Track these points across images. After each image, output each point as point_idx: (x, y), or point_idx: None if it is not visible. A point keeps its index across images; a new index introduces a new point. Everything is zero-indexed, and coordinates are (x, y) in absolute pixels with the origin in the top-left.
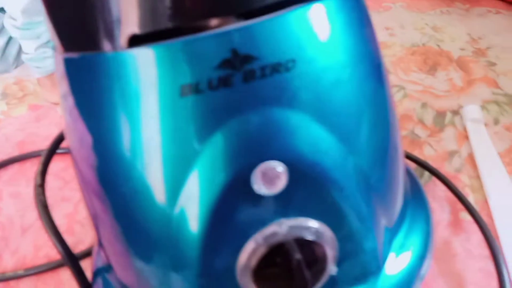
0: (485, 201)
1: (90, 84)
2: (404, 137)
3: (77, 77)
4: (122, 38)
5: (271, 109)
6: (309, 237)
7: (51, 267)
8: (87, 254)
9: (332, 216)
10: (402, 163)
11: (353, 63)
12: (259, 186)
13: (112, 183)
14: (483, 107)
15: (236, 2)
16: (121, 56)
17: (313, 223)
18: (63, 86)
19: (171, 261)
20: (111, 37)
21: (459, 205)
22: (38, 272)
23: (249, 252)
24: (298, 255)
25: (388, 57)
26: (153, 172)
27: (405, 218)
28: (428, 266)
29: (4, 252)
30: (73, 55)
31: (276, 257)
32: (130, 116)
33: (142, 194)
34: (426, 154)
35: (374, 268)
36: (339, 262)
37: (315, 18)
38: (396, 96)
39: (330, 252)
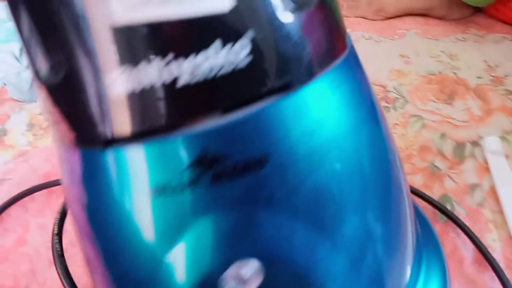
0: (509, 237)
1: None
2: (424, 169)
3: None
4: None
5: (242, 208)
6: None
7: None
8: None
9: None
10: (409, 238)
11: (338, 151)
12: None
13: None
14: (503, 138)
15: (209, 104)
16: (97, 154)
17: None
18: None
19: None
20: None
21: (481, 240)
22: None
23: None
24: None
25: (405, 85)
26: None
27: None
28: None
29: (32, 285)
30: (82, 150)
31: None
32: (110, 203)
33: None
34: (447, 187)
35: None
36: None
37: (292, 110)
38: (414, 126)
39: None
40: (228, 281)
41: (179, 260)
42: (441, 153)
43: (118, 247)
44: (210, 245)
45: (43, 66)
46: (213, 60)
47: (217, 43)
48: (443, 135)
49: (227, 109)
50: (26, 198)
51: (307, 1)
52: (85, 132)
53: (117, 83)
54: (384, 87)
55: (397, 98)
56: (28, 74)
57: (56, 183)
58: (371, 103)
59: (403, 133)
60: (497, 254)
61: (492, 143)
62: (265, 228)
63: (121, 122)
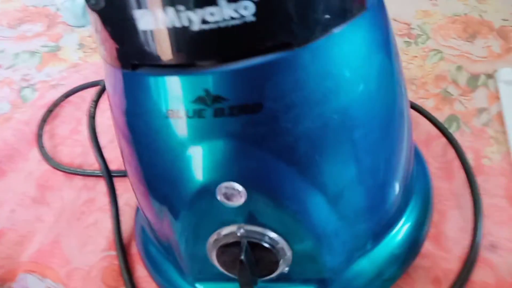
0: (507, 153)
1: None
2: (437, 94)
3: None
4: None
5: (235, 141)
6: (264, 243)
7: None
8: None
9: (289, 231)
10: (392, 191)
11: (327, 115)
12: (221, 199)
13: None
14: None
15: (214, 52)
16: (130, 75)
17: (268, 232)
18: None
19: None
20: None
21: (482, 153)
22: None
23: (213, 240)
24: (242, 256)
25: (429, 24)
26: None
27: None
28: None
29: (84, 164)
30: (117, 68)
31: (232, 248)
32: (139, 117)
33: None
34: (457, 109)
35: (327, 276)
36: (292, 265)
37: (284, 68)
38: (433, 59)
39: (283, 258)
40: (221, 190)
41: (186, 168)
42: (455, 82)
43: (143, 146)
44: (208, 164)
45: None
46: (220, 13)
47: (224, 0)
48: (459, 67)
49: (230, 58)
50: (78, 99)
51: None
52: (119, 55)
53: (141, 20)
54: (408, 24)
55: (420, 34)
56: (81, 1)
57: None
58: (381, 72)
59: (421, 65)
60: (494, 164)
61: (506, 74)
62: (252, 159)
63: (146, 53)
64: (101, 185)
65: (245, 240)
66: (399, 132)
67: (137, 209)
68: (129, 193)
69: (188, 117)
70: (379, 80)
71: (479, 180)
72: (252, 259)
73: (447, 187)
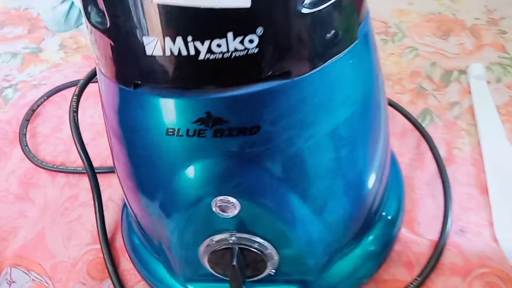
0: (478, 144)
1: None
2: (412, 90)
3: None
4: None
5: (233, 159)
6: (253, 249)
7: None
8: None
9: (277, 238)
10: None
11: (318, 137)
12: (216, 210)
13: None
14: (488, 68)
15: (217, 79)
16: (131, 92)
17: (258, 239)
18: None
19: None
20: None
21: (453, 144)
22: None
23: (205, 246)
24: (234, 262)
25: (405, 23)
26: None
27: (365, 234)
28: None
29: (66, 161)
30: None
31: (224, 253)
32: (135, 132)
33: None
34: (430, 103)
35: (309, 277)
36: (278, 268)
37: (282, 95)
38: (408, 55)
39: (269, 262)
40: (216, 203)
41: (185, 182)
42: (429, 77)
43: (141, 159)
44: (205, 179)
45: (94, 11)
46: (226, 46)
47: (231, 34)
48: (433, 64)
49: (232, 84)
50: (60, 99)
51: (318, 2)
52: (121, 73)
53: (148, 46)
54: (385, 23)
55: (396, 32)
56: (63, 8)
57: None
58: (367, 96)
59: (397, 61)
60: (465, 155)
61: (476, 69)
62: (247, 176)
63: (150, 74)
64: (84, 182)
65: (236, 246)
66: (380, 145)
67: (124, 206)
68: (112, 189)
69: (189, 136)
70: (365, 102)
71: (451, 169)
72: (242, 262)
73: (420, 177)
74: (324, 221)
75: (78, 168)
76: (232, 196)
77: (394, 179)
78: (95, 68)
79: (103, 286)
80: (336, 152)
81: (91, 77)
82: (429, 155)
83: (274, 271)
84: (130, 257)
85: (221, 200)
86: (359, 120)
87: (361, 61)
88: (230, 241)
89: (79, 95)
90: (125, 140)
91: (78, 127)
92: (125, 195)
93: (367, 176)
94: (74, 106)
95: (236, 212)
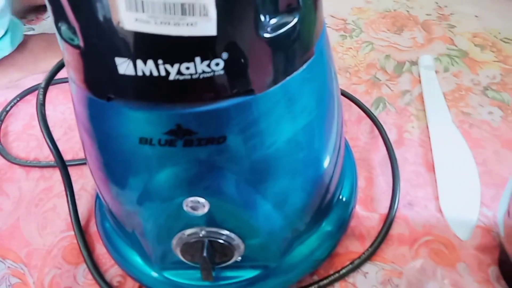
0: (426, 127)
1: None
2: (367, 80)
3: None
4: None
5: (201, 165)
6: (222, 240)
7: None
8: None
9: (242, 231)
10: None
11: (279, 143)
12: (187, 209)
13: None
14: (437, 59)
15: (186, 96)
16: (104, 103)
17: (226, 232)
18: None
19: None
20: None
21: (403, 128)
22: None
23: (177, 239)
24: (204, 253)
25: (362, 19)
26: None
27: (321, 220)
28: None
29: (40, 156)
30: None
31: (195, 244)
32: (107, 139)
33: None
34: (384, 92)
35: (273, 262)
36: (243, 255)
37: (246, 109)
38: (364, 50)
39: (237, 251)
40: (187, 203)
41: (157, 186)
42: (383, 69)
43: (114, 163)
44: (177, 183)
45: (64, 27)
46: (194, 68)
47: (199, 58)
48: (387, 56)
49: (201, 101)
50: (32, 97)
51: (280, 25)
52: (94, 86)
53: (121, 66)
54: (344, 20)
55: (354, 29)
56: None
57: (57, 81)
58: (322, 104)
59: (355, 55)
60: (414, 137)
61: (426, 60)
62: (215, 179)
63: (123, 90)
64: (58, 175)
65: (206, 239)
66: (335, 142)
67: (97, 196)
68: (84, 179)
69: (160, 145)
70: (321, 109)
71: (401, 150)
72: (212, 252)
73: (373, 158)
74: (284, 214)
75: (51, 162)
76: (201, 197)
77: (348, 165)
78: (60, 61)
79: (79, 270)
80: (295, 155)
81: (57, 71)
82: (381, 139)
83: (240, 258)
84: (103, 243)
85: (191, 201)
86: (315, 125)
87: (317, 74)
88: (201, 235)
89: (45, 88)
90: (97, 143)
91: (46, 120)
92: (98, 189)
93: (323, 171)
94: (41, 99)
95: (205, 210)
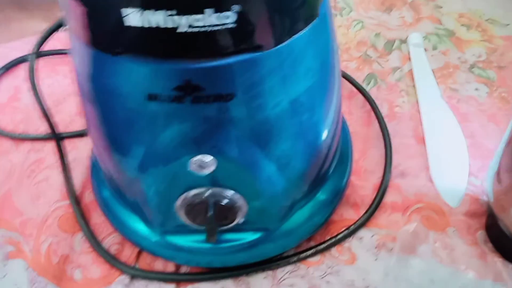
0: (416, 102)
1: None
2: (359, 57)
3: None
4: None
5: (209, 122)
6: (225, 201)
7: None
8: None
9: (247, 192)
10: (326, 161)
11: (284, 103)
12: (193, 169)
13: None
14: (425, 37)
15: (196, 50)
16: (109, 58)
17: (230, 193)
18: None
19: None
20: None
21: (394, 103)
22: None
23: (181, 200)
24: (210, 213)
25: None
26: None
27: (320, 186)
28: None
29: (29, 129)
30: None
31: (199, 206)
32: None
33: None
34: (375, 69)
35: (273, 225)
36: (246, 217)
37: (254, 66)
38: (355, 28)
39: (240, 213)
40: (193, 162)
41: (164, 144)
42: (374, 46)
43: (118, 121)
44: (183, 141)
45: None
46: (205, 20)
47: (210, 10)
48: (377, 34)
49: (210, 56)
50: (16, 70)
51: None
52: (99, 41)
53: (130, 17)
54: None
55: (344, 7)
56: None
57: (43, 53)
58: (325, 67)
59: (345, 33)
60: (405, 111)
61: (415, 38)
62: (222, 137)
63: (130, 44)
64: (49, 147)
65: (211, 200)
66: (335, 108)
67: (93, 166)
68: (77, 151)
69: (168, 101)
70: (324, 72)
71: (392, 124)
72: (216, 213)
73: (366, 132)
74: (286, 177)
75: (40, 135)
76: (208, 154)
77: (344, 137)
78: (52, 26)
79: (75, 239)
80: (298, 117)
81: (48, 35)
82: (373, 113)
83: (242, 220)
84: (102, 211)
85: (198, 159)
86: (318, 88)
87: (320, 36)
88: (205, 196)
89: (37, 51)
90: (101, 104)
91: (37, 88)
92: (99, 156)
93: (324, 135)
94: (31, 66)
95: (211, 170)
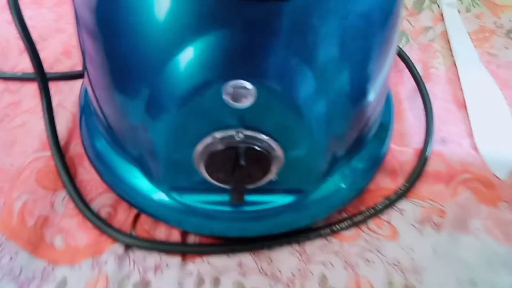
0: (453, 64)
1: None
2: None
3: None
4: None
5: (256, 30)
6: (261, 148)
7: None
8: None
9: (287, 137)
10: (377, 108)
11: (345, 14)
12: (227, 99)
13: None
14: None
15: None
16: None
17: (265, 138)
18: None
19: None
20: None
21: (429, 64)
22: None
23: (204, 145)
24: (242, 162)
25: None
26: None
27: (363, 145)
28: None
29: (4, 67)
30: None
31: (226, 154)
32: None
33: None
34: (405, 28)
35: (306, 187)
36: (280, 174)
37: None
38: None
39: (275, 165)
40: (229, 89)
41: (188, 66)
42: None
43: (125, 46)
44: (219, 56)
45: None
46: None
47: None
48: None
49: None
50: None
51: None
52: None
53: None
54: None
55: None
56: None
57: None
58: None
59: None
60: (441, 73)
61: None
62: (270, 54)
63: None
64: (27, 88)
65: (244, 146)
66: (394, 43)
67: (81, 112)
68: (62, 94)
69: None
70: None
71: (428, 86)
72: (247, 165)
73: (401, 92)
74: (330, 124)
75: (18, 73)
76: (248, 81)
77: (386, 100)
78: None
79: (57, 198)
80: (363, 40)
81: None
82: (406, 72)
83: (275, 177)
84: (93, 164)
85: (235, 85)
86: (384, 19)
87: None
88: (237, 139)
89: None
90: (113, 23)
91: (22, 17)
92: (97, 96)
93: (377, 82)
94: None
95: (250, 102)
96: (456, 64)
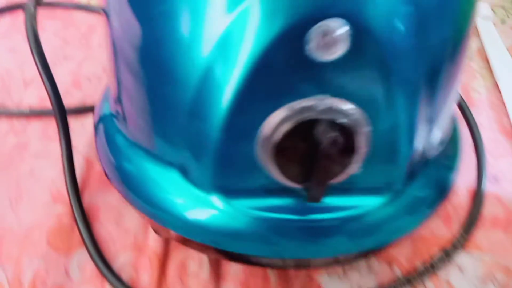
0: (495, 86)
1: None
2: None
3: None
4: None
5: None
6: (346, 123)
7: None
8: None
9: (379, 109)
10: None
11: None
12: (312, 48)
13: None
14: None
15: None
16: None
17: (355, 109)
18: None
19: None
20: None
21: (470, 86)
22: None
23: (276, 121)
24: (332, 135)
25: None
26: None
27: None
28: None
29: (7, 102)
30: None
31: (304, 136)
32: None
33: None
34: None
35: (395, 185)
36: (364, 164)
37: None
38: None
39: (361, 148)
40: (313, 36)
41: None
42: None
43: None
44: None
45: None
46: None
47: None
48: None
49: None
50: None
51: None
52: None
53: None
54: None
55: None
56: None
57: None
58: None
59: None
60: (482, 97)
61: (483, 10)
62: None
63: None
64: (33, 128)
65: (327, 120)
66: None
67: (97, 131)
68: (72, 133)
69: None
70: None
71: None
72: (329, 148)
73: None
74: (427, 110)
75: (25, 110)
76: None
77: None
78: None
79: (72, 260)
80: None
81: None
82: None
83: (360, 169)
84: (122, 192)
85: (326, 26)
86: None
87: None
88: (319, 109)
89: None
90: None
91: (39, 42)
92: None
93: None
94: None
95: (340, 51)
96: (499, 86)
